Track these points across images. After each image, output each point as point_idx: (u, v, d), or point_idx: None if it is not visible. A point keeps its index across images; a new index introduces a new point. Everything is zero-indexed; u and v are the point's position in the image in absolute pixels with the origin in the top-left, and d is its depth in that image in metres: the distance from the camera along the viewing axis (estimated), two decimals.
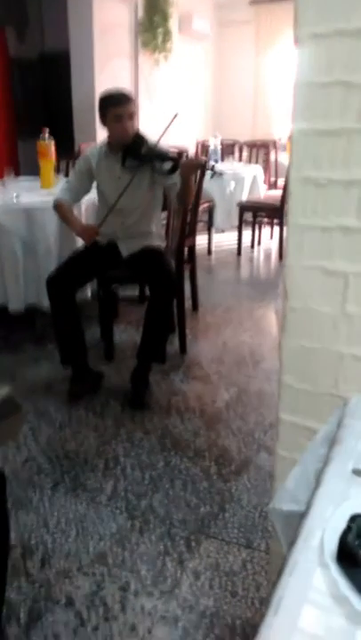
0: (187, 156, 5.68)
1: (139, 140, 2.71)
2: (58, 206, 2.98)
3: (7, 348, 3.43)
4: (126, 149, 2.70)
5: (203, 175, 3.35)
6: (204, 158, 3.08)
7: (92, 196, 3.14)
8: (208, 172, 2.70)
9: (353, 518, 0.74)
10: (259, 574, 1.76)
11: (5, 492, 1.38)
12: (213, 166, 2.68)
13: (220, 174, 2.75)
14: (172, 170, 2.65)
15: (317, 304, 1.20)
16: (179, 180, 2.69)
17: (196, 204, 3.54)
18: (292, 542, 0.79)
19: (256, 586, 1.72)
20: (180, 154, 5.46)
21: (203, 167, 2.67)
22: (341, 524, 0.74)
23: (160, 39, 6.97)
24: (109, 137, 2.81)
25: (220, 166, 5.48)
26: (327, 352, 1.21)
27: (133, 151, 2.68)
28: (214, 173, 2.68)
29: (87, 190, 3.03)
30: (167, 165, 2.67)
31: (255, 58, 8.51)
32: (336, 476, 0.89)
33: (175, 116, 2.61)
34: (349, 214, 1.14)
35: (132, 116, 2.71)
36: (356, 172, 1.12)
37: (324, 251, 1.17)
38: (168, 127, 2.60)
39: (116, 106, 2.70)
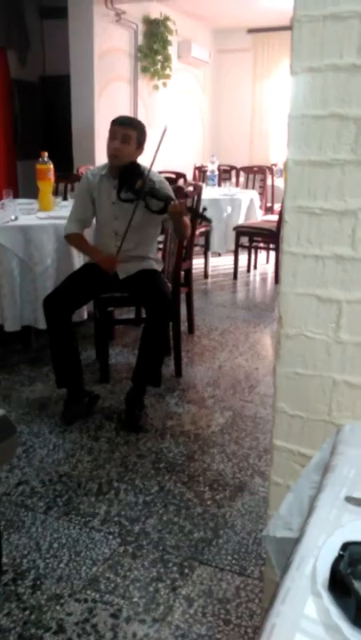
0: (185, 181, 5.75)
1: (134, 171, 2.72)
2: (69, 238, 3.01)
3: (3, 368, 3.43)
4: (122, 180, 2.73)
5: (194, 220, 3.37)
6: (189, 194, 3.11)
7: None
8: (203, 217, 2.78)
9: (345, 546, 0.75)
10: (252, 602, 1.75)
11: None
12: (203, 212, 2.74)
13: (209, 221, 2.83)
14: (163, 211, 2.69)
15: (311, 331, 1.21)
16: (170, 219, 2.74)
17: (193, 229, 3.58)
18: (284, 569, 0.79)
19: (250, 614, 1.70)
20: (178, 178, 5.52)
21: (192, 212, 2.72)
22: (333, 552, 0.75)
23: (159, 65, 7.10)
24: (107, 156, 2.85)
25: (210, 208, 5.56)
26: (321, 379, 1.23)
27: (129, 184, 2.70)
28: (202, 219, 2.77)
29: (93, 214, 3.03)
30: (158, 205, 2.69)
31: (253, 85, 8.66)
32: (329, 503, 0.89)
33: (165, 129, 2.64)
34: (343, 243, 1.16)
35: (125, 138, 2.74)
36: (350, 202, 1.14)
37: (318, 279, 1.19)
38: (160, 142, 2.63)
39: (114, 124, 2.77)
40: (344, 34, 1.10)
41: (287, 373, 1.27)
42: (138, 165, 2.78)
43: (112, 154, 2.77)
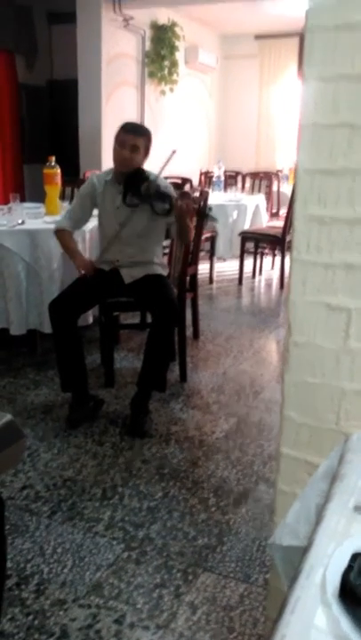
0: (191, 186, 5.76)
1: (139, 176, 2.72)
2: (58, 233, 3.02)
3: (8, 371, 3.43)
4: (127, 185, 2.73)
5: (201, 220, 3.39)
6: (195, 199, 3.12)
7: (96, 223, 3.18)
8: (209, 216, 2.80)
9: (355, 557, 0.74)
10: (256, 610, 1.74)
11: (3, 517, 1.37)
12: (209, 212, 2.76)
13: (214, 219, 2.86)
14: (168, 212, 2.69)
15: (320, 339, 1.21)
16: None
17: (199, 233, 3.58)
18: (292, 578, 0.79)
19: (253, 622, 1.70)
20: (184, 183, 5.53)
21: (198, 212, 2.73)
22: (343, 562, 0.74)
23: (166, 70, 7.12)
24: (113, 161, 2.86)
25: (218, 202, 5.57)
26: (330, 387, 1.22)
27: (134, 188, 2.70)
28: (207, 217, 2.80)
29: (88, 218, 3.06)
30: (164, 206, 2.69)
31: (259, 90, 8.68)
32: (337, 512, 0.89)
33: (173, 152, 2.66)
34: (353, 252, 1.16)
35: (134, 148, 2.74)
36: None
37: (327, 287, 1.19)
38: (167, 163, 2.65)
39: (124, 132, 2.78)
40: (356, 43, 1.10)
41: (296, 381, 1.27)
42: (143, 170, 2.78)
43: (121, 162, 2.78)
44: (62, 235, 3.01)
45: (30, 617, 1.69)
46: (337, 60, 1.12)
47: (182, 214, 2.67)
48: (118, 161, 2.79)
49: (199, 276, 3.90)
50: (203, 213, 2.82)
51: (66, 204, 4.20)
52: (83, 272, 2.93)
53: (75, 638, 1.62)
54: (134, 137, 2.75)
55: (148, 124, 7.10)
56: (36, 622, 1.67)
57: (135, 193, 2.71)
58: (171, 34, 6.99)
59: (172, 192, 2.82)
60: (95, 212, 3.04)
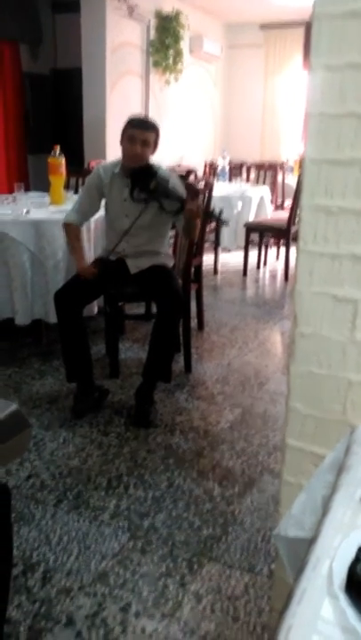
0: (195, 177, 5.73)
1: (149, 171, 2.69)
2: (66, 227, 3.01)
3: (13, 361, 3.44)
4: (134, 180, 2.71)
5: (208, 221, 3.39)
6: (200, 190, 3.11)
7: (101, 213, 3.17)
8: (220, 220, 2.81)
9: None
10: (261, 599, 1.75)
11: (10, 506, 1.38)
12: (220, 215, 2.76)
13: (226, 223, 2.86)
14: (178, 212, 2.67)
15: (327, 331, 1.21)
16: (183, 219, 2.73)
17: (204, 225, 3.57)
18: (299, 570, 0.79)
19: (258, 611, 1.71)
20: (189, 174, 5.50)
21: (207, 214, 2.72)
22: (350, 554, 0.75)
23: (171, 60, 7.07)
24: (122, 156, 2.84)
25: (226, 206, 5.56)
26: (336, 379, 1.22)
27: (142, 183, 2.68)
28: (219, 221, 2.81)
29: (96, 209, 3.05)
30: (173, 206, 2.68)
31: (264, 80, 8.62)
32: (344, 504, 0.89)
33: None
34: (360, 243, 1.15)
35: (145, 142, 2.73)
36: None
37: (334, 278, 1.19)
38: None
39: (134, 127, 2.75)
40: None
41: (301, 373, 1.26)
42: (151, 165, 2.76)
43: (132, 158, 2.75)
44: (69, 230, 3.00)
45: (36, 604, 1.71)
46: (344, 49, 1.11)
47: (192, 216, 2.65)
48: (129, 156, 2.77)
49: (204, 267, 3.90)
50: (212, 215, 2.81)
51: (70, 194, 4.20)
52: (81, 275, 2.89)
53: (81, 626, 1.64)
54: (144, 132, 2.73)
55: (152, 114, 7.09)
56: (43, 610, 1.69)
57: (143, 188, 2.68)
58: (175, 23, 6.94)
59: (184, 192, 2.79)
60: (103, 201, 3.03)
